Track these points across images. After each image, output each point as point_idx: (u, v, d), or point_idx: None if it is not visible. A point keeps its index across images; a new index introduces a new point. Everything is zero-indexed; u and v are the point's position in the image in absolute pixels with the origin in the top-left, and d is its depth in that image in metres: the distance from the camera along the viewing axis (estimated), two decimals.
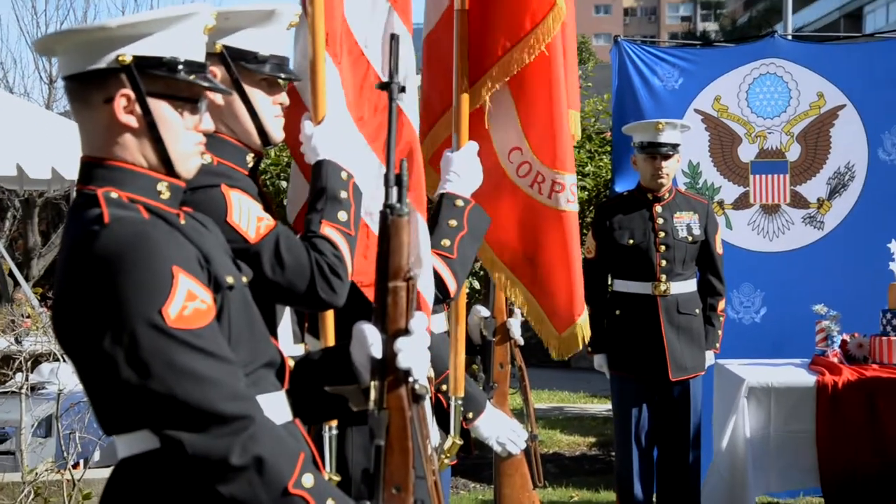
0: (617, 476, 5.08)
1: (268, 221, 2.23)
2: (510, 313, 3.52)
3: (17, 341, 5.36)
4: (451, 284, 2.71)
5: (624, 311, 4.93)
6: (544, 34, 2.85)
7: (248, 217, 2.19)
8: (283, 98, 2.39)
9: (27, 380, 4.83)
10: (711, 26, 50.02)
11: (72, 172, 6.70)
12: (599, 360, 5.09)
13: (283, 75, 2.36)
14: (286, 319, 2.45)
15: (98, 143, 1.78)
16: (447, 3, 3.00)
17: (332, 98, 2.49)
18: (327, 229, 2.29)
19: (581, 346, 3.16)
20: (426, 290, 2.54)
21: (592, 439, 7.56)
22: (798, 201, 5.83)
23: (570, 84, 3.16)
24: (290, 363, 1.94)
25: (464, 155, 2.86)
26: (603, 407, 8.66)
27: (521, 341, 3.55)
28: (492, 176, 2.99)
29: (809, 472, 4.65)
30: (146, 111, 1.75)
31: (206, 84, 1.81)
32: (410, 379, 1.74)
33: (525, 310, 3.17)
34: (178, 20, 1.78)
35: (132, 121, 1.76)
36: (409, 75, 2.64)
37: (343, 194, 2.35)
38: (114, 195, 1.72)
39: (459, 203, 2.77)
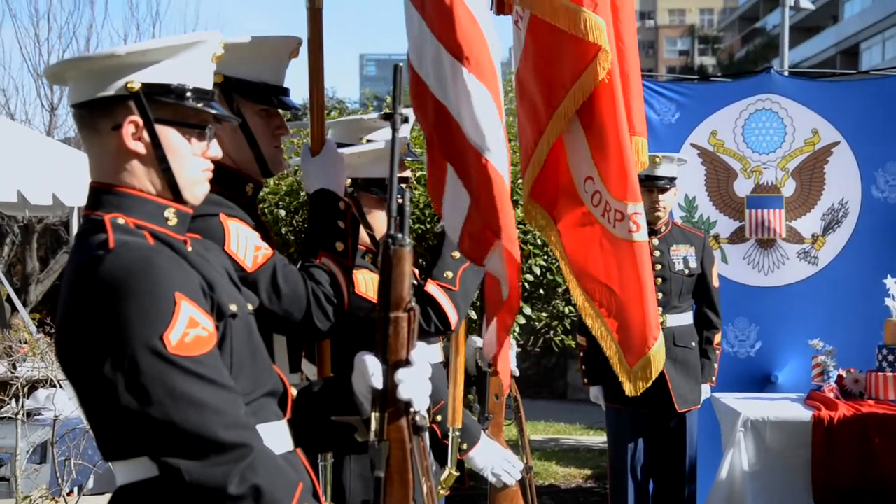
0: None
1: (265, 251, 2.24)
2: None
3: (15, 367, 5.36)
4: (453, 316, 2.73)
5: None
6: (592, 79, 2.84)
7: (246, 246, 2.21)
8: (284, 128, 2.42)
9: (23, 406, 4.82)
10: (709, 61, 50.34)
11: (72, 199, 6.73)
12: (595, 392, 5.09)
13: (283, 106, 2.39)
14: (282, 347, 2.46)
15: (106, 169, 1.79)
16: (524, 38, 2.99)
17: (490, 123, 2.46)
18: (324, 259, 2.32)
19: (651, 379, 3.06)
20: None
21: (588, 471, 7.53)
22: (793, 236, 5.86)
23: (637, 110, 3.12)
24: (293, 392, 1.94)
25: None
26: (599, 439, 8.63)
27: (517, 372, 3.56)
28: (573, 205, 3.01)
29: None
30: (154, 138, 1.77)
31: (213, 111, 1.83)
32: (411, 410, 1.74)
33: (602, 343, 3.08)
34: (186, 48, 1.80)
35: (140, 147, 1.77)
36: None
37: (340, 224, 2.37)
38: (121, 221, 1.74)
39: None
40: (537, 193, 3.04)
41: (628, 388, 3.05)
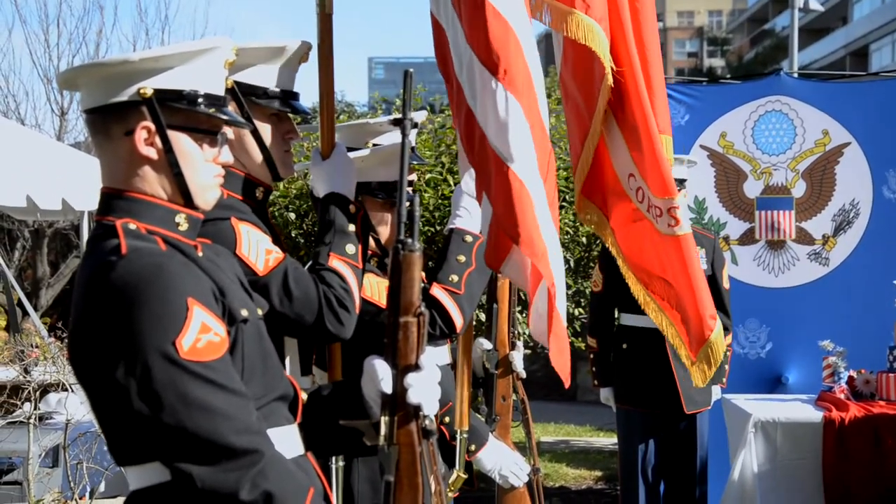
0: None
1: (276, 254, 2.25)
2: (513, 346, 3.54)
3: (27, 371, 5.38)
4: (458, 319, 2.74)
5: (631, 345, 4.94)
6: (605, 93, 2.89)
7: (257, 250, 2.22)
8: (293, 132, 2.43)
9: (35, 410, 4.84)
10: (718, 62, 50.26)
11: (82, 203, 6.76)
12: (606, 394, 5.09)
13: (292, 110, 2.40)
14: (293, 351, 2.47)
15: (118, 174, 1.80)
16: (562, 41, 3.02)
17: (517, 130, 2.51)
18: (335, 262, 2.32)
19: (716, 365, 3.04)
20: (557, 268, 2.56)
21: (598, 473, 7.53)
22: (803, 237, 5.85)
23: (662, 109, 3.15)
24: (304, 396, 1.95)
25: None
26: (609, 440, 8.63)
27: (524, 374, 3.56)
28: (622, 202, 3.04)
29: None
30: (166, 143, 1.78)
31: (225, 117, 1.84)
32: (420, 414, 1.75)
33: (668, 335, 3.09)
34: (198, 54, 1.81)
35: (152, 153, 1.79)
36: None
37: (351, 227, 2.38)
38: (132, 226, 1.75)
39: (469, 239, 2.80)
40: (588, 190, 3.07)
41: (695, 378, 3.07)
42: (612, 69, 2.85)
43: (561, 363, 2.66)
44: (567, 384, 2.71)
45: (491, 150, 2.53)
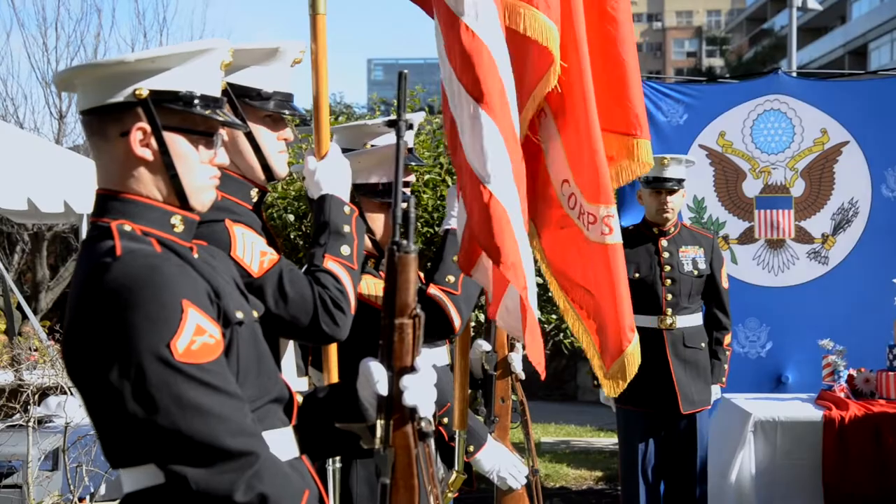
0: None
1: (271, 256, 2.25)
2: (511, 347, 3.54)
3: (20, 376, 5.37)
4: (456, 320, 2.73)
5: None
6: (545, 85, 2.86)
7: (252, 251, 2.22)
8: (288, 133, 2.43)
9: (34, 413, 4.83)
10: (717, 62, 50.30)
11: (83, 206, 6.75)
12: (605, 394, 5.08)
13: (287, 112, 2.40)
14: (290, 352, 2.47)
15: (113, 175, 1.80)
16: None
17: (494, 150, 2.54)
18: (330, 263, 2.32)
19: (629, 378, 3.03)
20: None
21: (599, 473, 7.52)
22: (803, 236, 5.85)
23: (640, 113, 3.10)
24: (299, 399, 1.95)
25: None
26: (610, 441, 8.62)
27: (523, 375, 3.56)
28: (551, 208, 3.02)
29: None
30: (162, 145, 1.78)
31: (221, 119, 1.83)
32: (416, 416, 1.75)
33: (583, 344, 3.08)
34: (195, 55, 1.81)
35: (148, 154, 1.78)
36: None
37: (346, 228, 2.38)
38: (127, 228, 1.74)
39: None
40: None
41: (606, 389, 3.06)
42: (557, 72, 2.84)
43: (535, 354, 2.66)
44: (542, 374, 2.72)
45: (467, 165, 2.54)
